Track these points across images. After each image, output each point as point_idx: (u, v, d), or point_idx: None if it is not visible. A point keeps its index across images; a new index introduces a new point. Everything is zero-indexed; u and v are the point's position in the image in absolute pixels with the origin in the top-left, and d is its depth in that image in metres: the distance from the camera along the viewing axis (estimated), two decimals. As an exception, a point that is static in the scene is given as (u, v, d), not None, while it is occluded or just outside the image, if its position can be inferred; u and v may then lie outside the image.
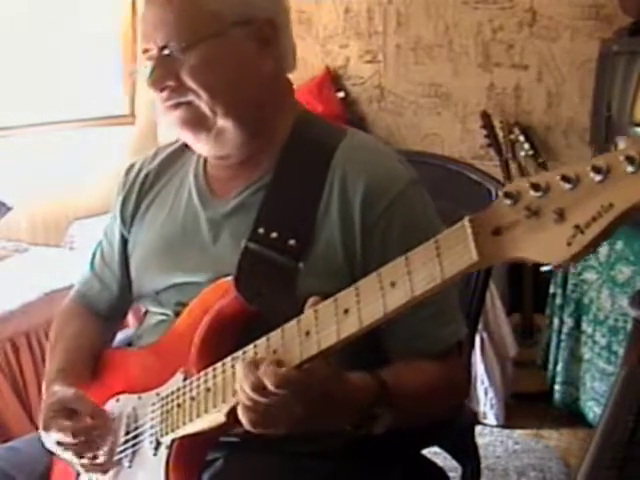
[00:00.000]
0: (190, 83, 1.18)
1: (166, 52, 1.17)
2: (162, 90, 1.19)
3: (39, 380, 2.41)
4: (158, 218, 1.33)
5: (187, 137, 1.24)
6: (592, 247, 0.74)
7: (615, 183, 0.73)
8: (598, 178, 0.73)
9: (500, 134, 3.22)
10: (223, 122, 1.20)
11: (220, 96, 1.18)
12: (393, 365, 1.14)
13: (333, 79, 3.61)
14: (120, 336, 1.49)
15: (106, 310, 1.44)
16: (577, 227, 0.74)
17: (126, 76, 3.77)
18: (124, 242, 1.38)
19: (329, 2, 3.63)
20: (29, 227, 3.34)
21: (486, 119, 3.21)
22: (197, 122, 1.20)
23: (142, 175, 1.38)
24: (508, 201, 0.79)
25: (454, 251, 0.82)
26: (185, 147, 1.34)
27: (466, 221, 0.81)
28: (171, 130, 1.27)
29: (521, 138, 3.18)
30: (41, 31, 3.35)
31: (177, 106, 1.20)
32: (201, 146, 1.25)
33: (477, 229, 0.80)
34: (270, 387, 0.94)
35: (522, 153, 3.19)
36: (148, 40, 1.19)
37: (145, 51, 1.20)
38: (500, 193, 0.80)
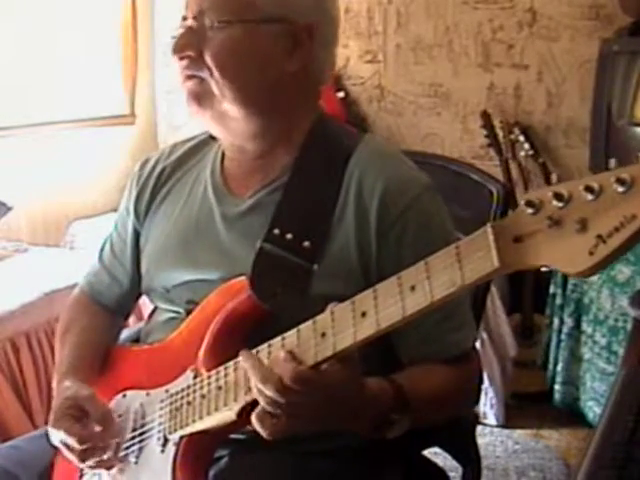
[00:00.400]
0: (209, 60, 1.18)
1: (198, 22, 1.19)
2: (182, 58, 1.20)
3: (39, 380, 2.41)
4: (172, 212, 1.32)
5: (194, 111, 1.24)
6: (614, 257, 0.74)
7: (638, 194, 0.73)
8: (621, 189, 0.74)
9: (500, 134, 3.22)
10: (229, 107, 1.20)
11: (232, 82, 1.19)
12: (407, 370, 1.14)
13: (333, 79, 3.61)
14: (125, 333, 1.49)
15: (115, 304, 1.44)
16: (599, 237, 0.74)
17: (126, 76, 3.77)
18: (137, 236, 1.38)
19: (329, 2, 3.63)
20: (29, 227, 3.34)
21: (486, 119, 3.21)
22: (203, 98, 1.21)
23: (158, 170, 1.37)
24: (530, 210, 0.79)
25: (475, 257, 0.82)
26: (207, 141, 1.34)
27: (488, 227, 0.82)
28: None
29: (521, 138, 3.18)
30: (41, 31, 3.35)
31: (190, 78, 1.21)
32: (208, 124, 1.26)
33: (498, 236, 0.81)
34: (288, 383, 0.93)
35: (522, 153, 3.19)
36: (187, 7, 1.21)
37: (184, 19, 1.22)
38: (522, 201, 0.80)
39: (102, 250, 1.45)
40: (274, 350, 1.00)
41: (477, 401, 1.30)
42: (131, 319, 2.00)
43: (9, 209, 2.91)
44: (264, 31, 1.19)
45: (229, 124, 1.22)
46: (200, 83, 1.20)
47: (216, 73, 1.18)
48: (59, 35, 3.43)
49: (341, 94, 3.58)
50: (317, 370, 0.95)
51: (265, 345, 1.02)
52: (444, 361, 1.16)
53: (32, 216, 3.35)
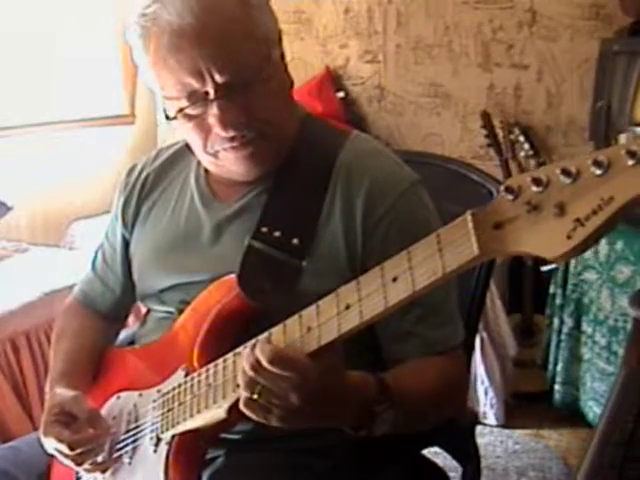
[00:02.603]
0: (263, 114, 1.15)
1: (228, 87, 1.12)
2: (236, 129, 1.15)
3: (39, 380, 2.41)
4: (160, 221, 1.32)
5: (248, 170, 1.20)
6: (592, 240, 0.74)
7: (615, 176, 0.73)
8: (598, 172, 0.74)
9: (500, 134, 3.22)
10: (282, 144, 1.21)
11: (284, 121, 1.19)
12: (392, 368, 1.13)
13: (333, 79, 3.61)
14: (122, 335, 1.49)
15: (109, 310, 1.44)
16: (577, 220, 0.74)
17: (126, 76, 3.77)
18: (126, 244, 1.38)
19: (329, 2, 3.63)
20: (29, 227, 3.34)
21: (486, 119, 3.21)
22: (269, 153, 1.19)
23: (143, 176, 1.37)
24: (509, 196, 0.79)
25: (455, 245, 0.82)
26: (186, 149, 1.33)
27: (468, 215, 0.81)
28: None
29: (521, 138, 3.18)
30: (41, 31, 3.35)
31: (248, 143, 1.17)
32: (253, 175, 1.22)
33: (478, 223, 0.80)
34: (264, 363, 0.92)
35: (522, 153, 3.19)
36: (199, 78, 1.12)
37: (191, 93, 1.14)
38: (501, 188, 0.80)
39: (95, 258, 1.45)
40: None
41: (464, 402, 1.29)
42: (131, 320, 2.00)
43: (9, 209, 2.91)
44: (275, 58, 1.19)
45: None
46: (261, 142, 1.17)
47: (273, 122, 1.17)
48: (59, 35, 3.43)
49: (341, 94, 3.58)
50: (294, 351, 0.94)
51: (252, 341, 1.01)
52: (428, 357, 1.16)
53: (32, 216, 3.35)
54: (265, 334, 1.00)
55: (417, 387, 1.11)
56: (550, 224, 0.76)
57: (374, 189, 1.18)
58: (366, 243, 1.17)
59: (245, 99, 1.14)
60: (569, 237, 0.74)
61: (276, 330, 0.99)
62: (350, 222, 1.17)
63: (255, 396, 0.94)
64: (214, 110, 1.13)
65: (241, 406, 0.96)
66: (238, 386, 1.00)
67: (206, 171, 1.31)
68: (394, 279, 0.87)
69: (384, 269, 0.89)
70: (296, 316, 0.97)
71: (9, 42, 3.22)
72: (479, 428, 2.74)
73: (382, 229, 1.17)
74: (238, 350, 1.04)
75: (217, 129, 1.15)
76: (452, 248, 0.82)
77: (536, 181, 0.77)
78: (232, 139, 1.16)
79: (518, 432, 2.84)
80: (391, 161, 1.25)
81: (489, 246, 0.80)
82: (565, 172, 0.76)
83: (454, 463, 1.42)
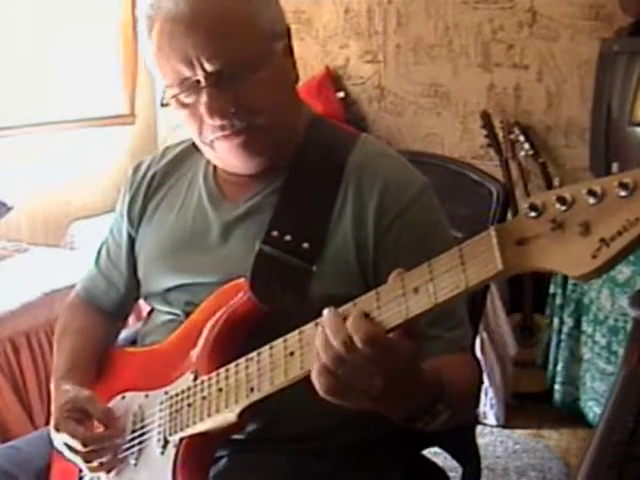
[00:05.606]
0: (253, 106, 1.15)
1: (221, 75, 1.13)
2: (223, 118, 1.16)
3: (39, 380, 2.41)
4: (166, 219, 1.32)
5: (244, 161, 1.21)
6: (617, 261, 0.74)
7: None
8: (624, 193, 0.74)
9: (500, 134, 3.22)
10: (270, 136, 1.20)
11: (275, 111, 1.18)
12: (434, 360, 1.07)
13: (333, 79, 3.61)
14: (123, 334, 1.49)
15: (112, 307, 1.44)
16: (603, 240, 0.74)
17: (126, 76, 3.77)
18: (131, 241, 1.38)
19: (329, 2, 3.63)
20: (29, 227, 3.34)
21: (486, 119, 3.21)
22: (264, 144, 1.19)
23: (149, 175, 1.37)
24: (533, 213, 0.80)
25: (479, 260, 0.82)
26: (193, 148, 1.33)
27: (492, 230, 0.82)
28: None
29: (521, 138, 3.18)
30: (41, 31, 3.35)
31: (239, 132, 1.17)
32: (252, 167, 1.22)
33: (502, 239, 0.81)
34: (357, 341, 0.87)
35: (522, 153, 3.19)
36: (190, 66, 1.13)
37: (183, 80, 1.15)
38: (525, 205, 0.80)
39: (98, 255, 1.45)
40: (275, 352, 0.99)
41: (478, 400, 1.29)
42: (130, 319, 2.00)
43: (9, 209, 2.92)
44: (277, 52, 1.19)
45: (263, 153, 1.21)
46: (253, 132, 1.17)
47: (267, 113, 1.17)
48: (59, 35, 3.43)
49: (341, 94, 3.58)
50: (389, 336, 0.89)
51: (267, 347, 1.01)
52: (457, 356, 1.15)
53: (32, 216, 3.35)
54: (280, 340, 0.98)
55: (463, 387, 1.09)
56: (575, 243, 0.76)
57: (386, 192, 1.18)
58: (378, 246, 1.17)
59: (236, 89, 1.14)
60: (594, 257, 0.75)
61: (290, 336, 0.98)
62: (361, 225, 1.17)
63: (339, 372, 0.89)
64: (203, 98, 1.15)
65: (314, 377, 0.90)
66: (252, 390, 0.99)
67: (215, 170, 1.30)
68: (415, 290, 0.86)
69: (405, 280, 0.88)
70: (312, 324, 0.95)
71: (9, 42, 3.22)
72: (479, 428, 2.74)
73: (394, 232, 1.17)
74: (251, 356, 1.04)
75: (205, 117, 1.16)
76: (475, 262, 0.82)
77: (561, 199, 0.78)
78: (222, 128, 1.16)
79: (518, 432, 2.84)
80: (401, 164, 1.25)
81: (513, 261, 0.80)
82: (590, 192, 0.76)
83: (454, 463, 1.42)
